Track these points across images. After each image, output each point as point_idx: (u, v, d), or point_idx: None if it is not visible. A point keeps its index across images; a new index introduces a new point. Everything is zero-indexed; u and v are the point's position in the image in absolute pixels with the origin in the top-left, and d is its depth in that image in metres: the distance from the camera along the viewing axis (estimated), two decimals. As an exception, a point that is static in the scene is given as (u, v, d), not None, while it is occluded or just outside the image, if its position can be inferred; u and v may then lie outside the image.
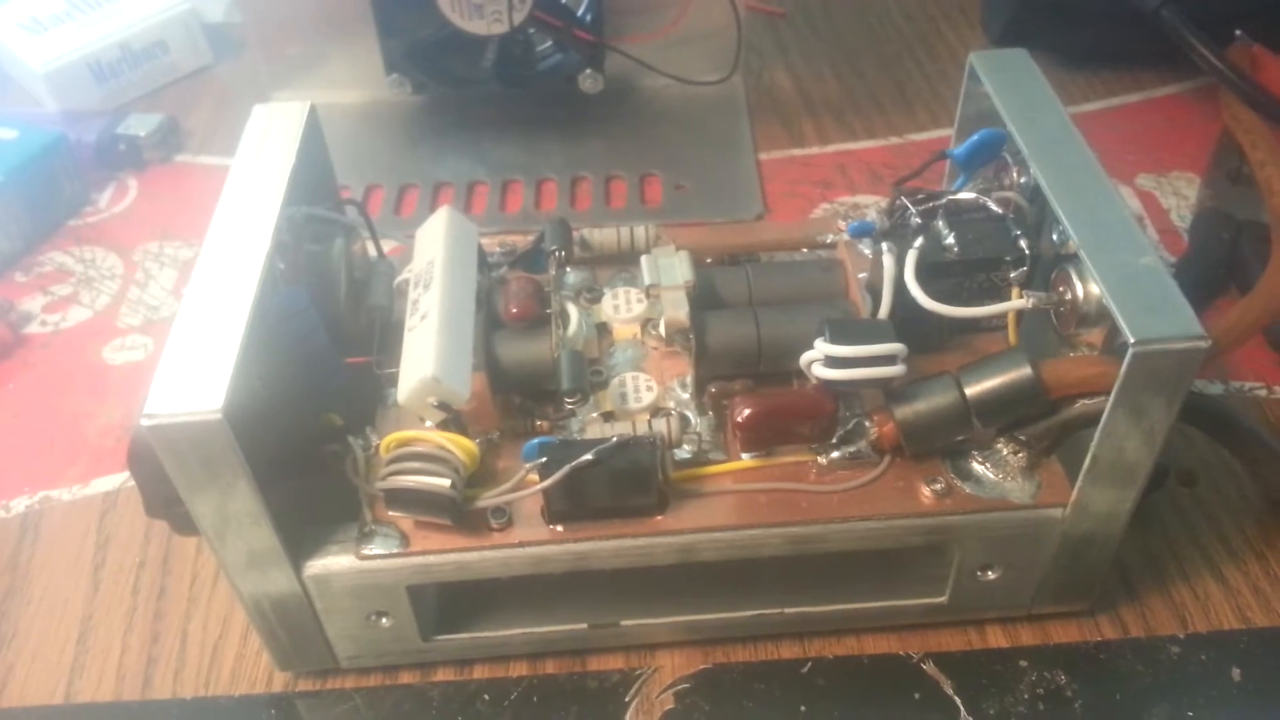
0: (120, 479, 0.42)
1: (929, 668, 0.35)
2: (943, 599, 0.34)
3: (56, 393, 0.46)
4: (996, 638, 0.36)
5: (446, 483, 0.30)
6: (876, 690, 0.34)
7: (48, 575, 0.39)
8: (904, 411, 0.32)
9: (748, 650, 0.36)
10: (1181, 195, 0.52)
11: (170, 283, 0.50)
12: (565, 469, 0.30)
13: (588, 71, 0.55)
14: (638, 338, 0.37)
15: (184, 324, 0.29)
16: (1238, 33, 0.50)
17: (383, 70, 0.56)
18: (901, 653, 0.35)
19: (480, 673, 0.35)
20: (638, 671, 0.35)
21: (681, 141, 0.57)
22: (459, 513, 0.31)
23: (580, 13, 0.54)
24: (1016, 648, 0.35)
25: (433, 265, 0.34)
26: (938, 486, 0.32)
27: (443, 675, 0.35)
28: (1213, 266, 0.47)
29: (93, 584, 0.39)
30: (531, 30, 0.55)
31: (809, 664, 0.35)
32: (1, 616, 0.38)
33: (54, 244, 0.53)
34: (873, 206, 0.51)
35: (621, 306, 0.37)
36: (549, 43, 0.56)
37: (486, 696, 0.35)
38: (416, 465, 0.30)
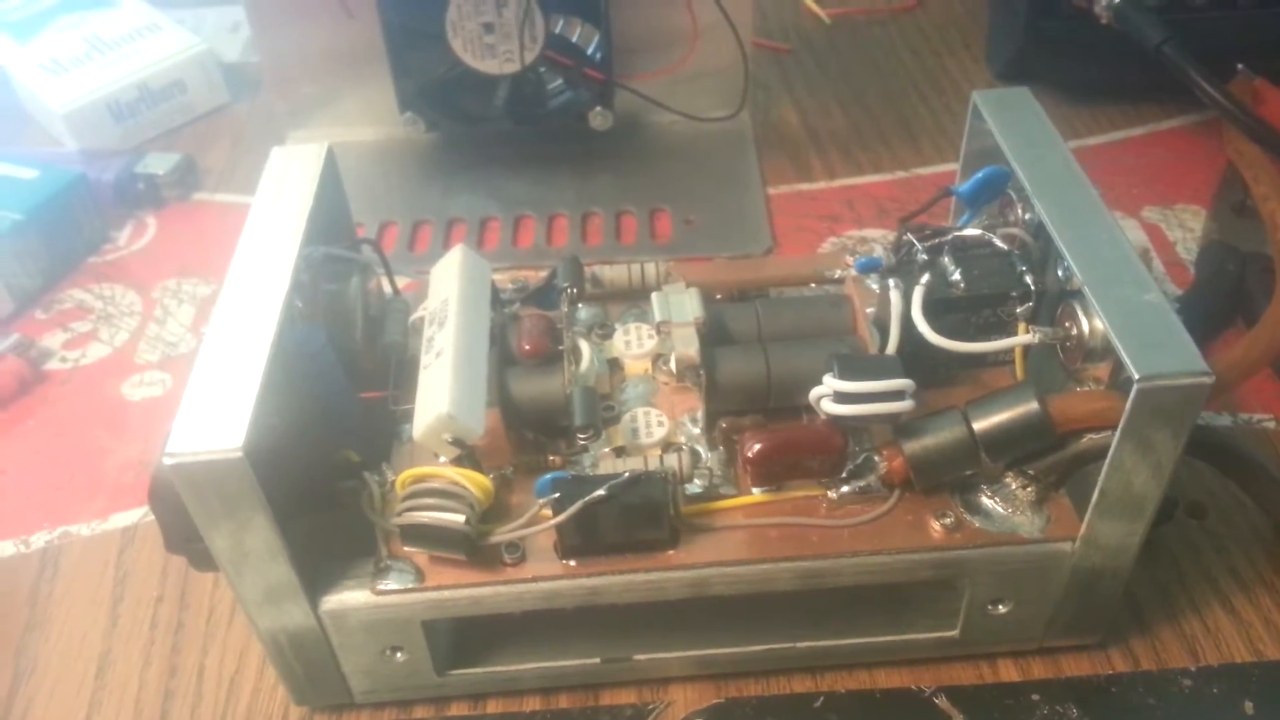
0: (139, 514, 0.42)
1: (941, 701, 0.35)
2: (954, 633, 0.35)
3: (76, 428, 0.46)
4: (1008, 671, 0.36)
5: (461, 518, 0.31)
6: (888, 724, 0.35)
7: (66, 610, 0.40)
8: (913, 446, 0.32)
9: (760, 684, 0.36)
10: (1187, 228, 0.53)
11: (188, 319, 0.51)
12: (578, 504, 0.31)
13: (598, 109, 0.56)
14: (649, 373, 0.38)
15: (205, 363, 0.30)
16: (1239, 67, 0.50)
17: (396, 109, 0.57)
18: (914, 686, 0.35)
19: (494, 707, 0.36)
20: (650, 706, 0.35)
21: (690, 177, 0.57)
22: (473, 548, 0.31)
23: (590, 51, 0.55)
24: (1028, 681, 0.35)
25: (447, 303, 0.35)
26: (947, 521, 0.32)
27: (457, 710, 0.36)
28: (1219, 299, 0.47)
29: (111, 619, 0.39)
30: (542, 69, 0.56)
31: (821, 698, 0.35)
32: (21, 651, 0.38)
33: (73, 281, 0.54)
34: (879, 241, 0.52)
35: (633, 342, 0.38)
36: (559, 81, 0.57)
37: (500, 731, 0.35)
38: (432, 501, 0.31)
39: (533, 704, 0.36)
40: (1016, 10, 0.59)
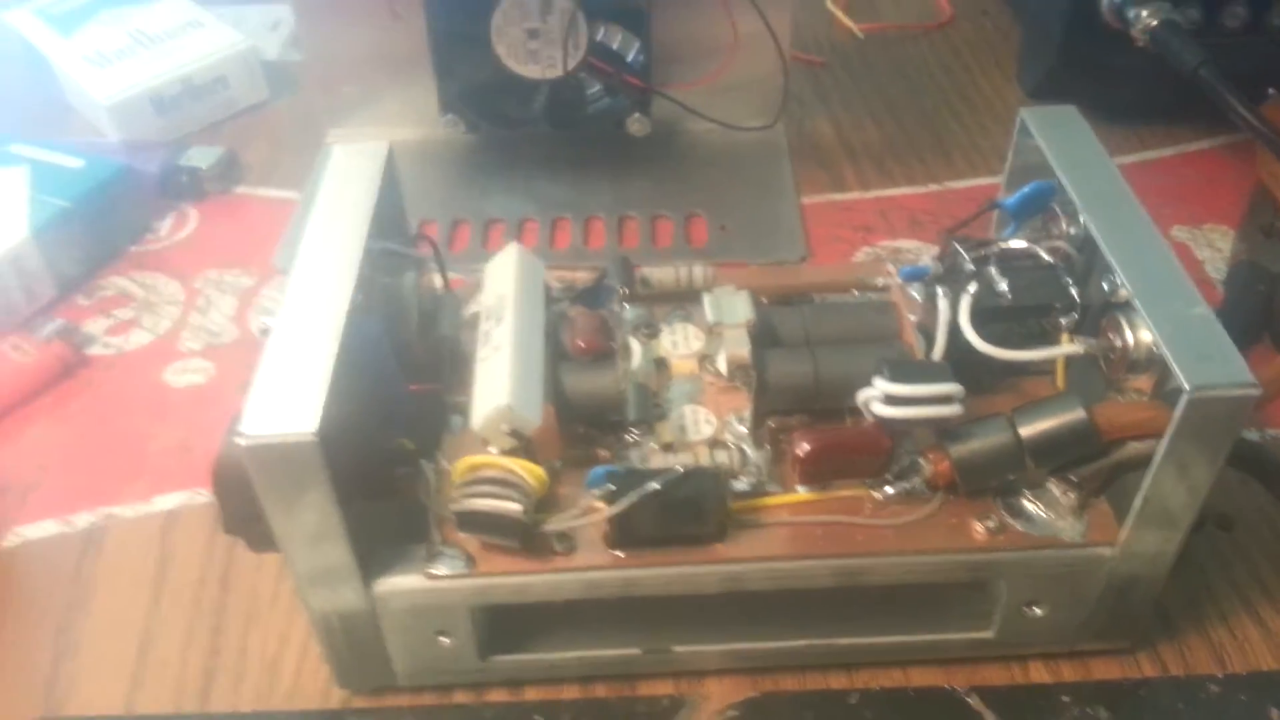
0: (182, 497, 0.43)
1: (974, 701, 0.36)
2: (989, 634, 0.35)
3: (119, 413, 0.47)
4: (1039, 673, 0.36)
5: (519, 507, 0.31)
6: (923, 722, 0.35)
7: (109, 589, 0.40)
8: (959, 450, 0.33)
9: (795, 679, 0.36)
10: (1215, 248, 0.53)
11: (231, 310, 0.52)
12: (634, 496, 0.31)
13: (636, 115, 0.57)
14: (694, 373, 0.38)
15: (276, 348, 0.30)
16: (1271, 91, 0.51)
17: (437, 110, 0.57)
18: (946, 685, 0.36)
19: (532, 694, 0.36)
20: (687, 698, 0.36)
21: (725, 184, 0.58)
22: (528, 536, 0.32)
23: (630, 59, 0.56)
24: (1059, 683, 0.36)
25: (504, 299, 0.36)
26: (990, 523, 0.33)
27: (495, 696, 0.36)
28: (1248, 318, 0.48)
29: (153, 599, 0.40)
30: (582, 75, 0.57)
31: (856, 695, 0.36)
32: (63, 629, 0.39)
33: (115, 269, 0.54)
34: (913, 251, 0.53)
35: (680, 343, 0.39)
36: (598, 87, 0.58)
37: (539, 717, 0.36)
38: (490, 489, 0.32)
39: (571, 692, 0.36)
40: (1051, 30, 0.59)
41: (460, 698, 0.36)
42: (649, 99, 0.57)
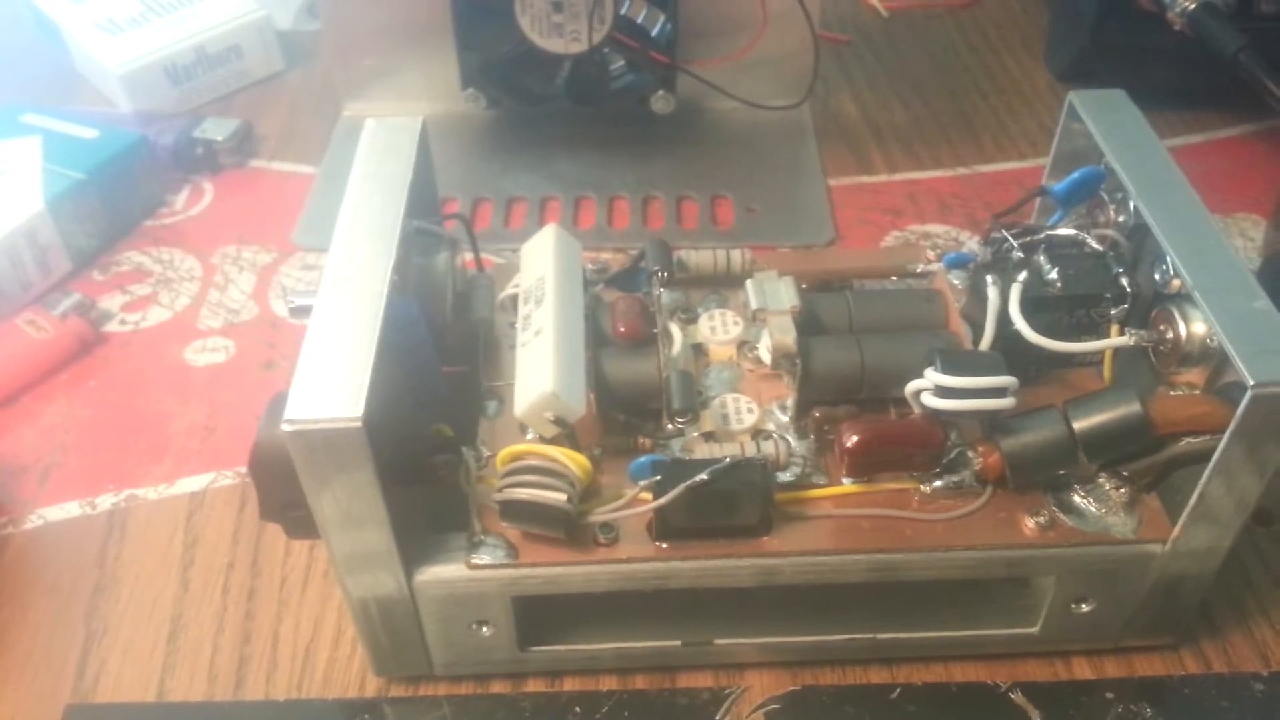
0: (207, 480, 0.42)
1: (1017, 697, 0.35)
2: (1033, 629, 0.35)
3: (138, 391, 0.46)
4: (1082, 669, 0.36)
5: (563, 497, 0.31)
6: (966, 718, 0.35)
7: (135, 574, 0.39)
8: (1010, 443, 0.32)
9: (835, 674, 0.36)
10: (1248, 237, 0.53)
11: (250, 286, 0.51)
12: (681, 487, 0.31)
13: (660, 93, 0.56)
14: (733, 360, 0.38)
15: (316, 332, 0.30)
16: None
17: (456, 84, 0.56)
18: (989, 681, 0.36)
19: (570, 685, 0.36)
20: (727, 690, 0.36)
21: (751, 165, 0.57)
22: (572, 527, 0.31)
23: (655, 33, 0.55)
24: (1103, 680, 0.36)
25: (543, 281, 0.35)
26: (1041, 519, 0.32)
27: (533, 686, 0.36)
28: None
29: (181, 584, 0.39)
30: (606, 50, 0.56)
31: (898, 689, 0.35)
32: (92, 612, 0.38)
33: (130, 244, 0.53)
34: (943, 236, 0.52)
35: (718, 328, 0.38)
36: (621, 63, 0.57)
37: (578, 709, 0.35)
38: (533, 479, 0.31)
39: (609, 683, 0.36)
40: (1083, 12, 0.59)
41: (498, 688, 0.36)
42: (674, 76, 0.56)
